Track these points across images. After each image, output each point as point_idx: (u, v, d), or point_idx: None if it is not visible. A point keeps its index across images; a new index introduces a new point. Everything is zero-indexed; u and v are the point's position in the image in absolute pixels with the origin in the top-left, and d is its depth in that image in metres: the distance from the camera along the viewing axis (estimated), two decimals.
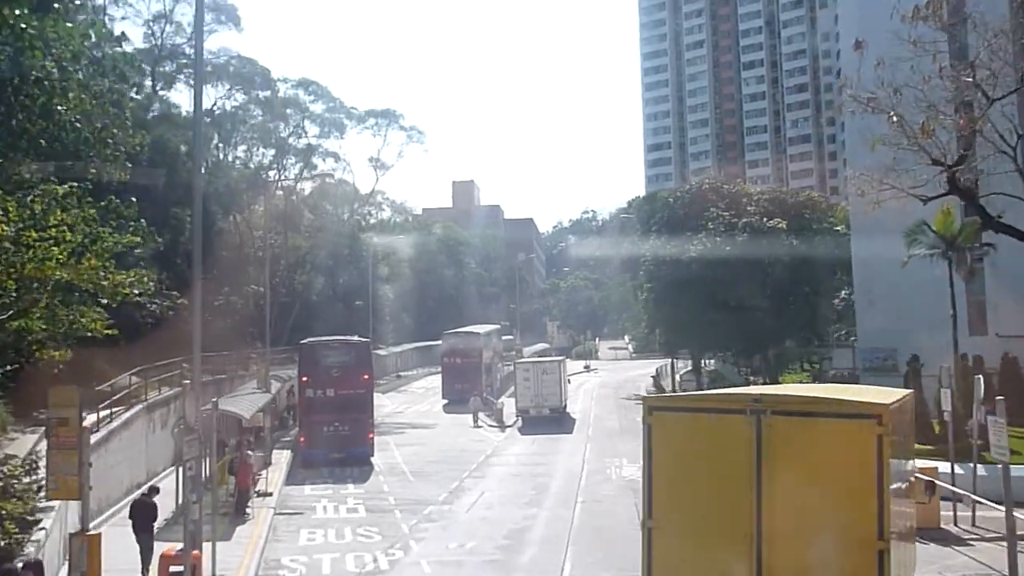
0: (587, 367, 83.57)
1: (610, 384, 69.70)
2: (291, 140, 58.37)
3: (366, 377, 33.03)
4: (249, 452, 24.95)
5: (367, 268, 67.63)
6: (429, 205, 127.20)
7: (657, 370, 68.93)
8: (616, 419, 48.07)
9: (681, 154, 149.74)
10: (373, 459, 33.30)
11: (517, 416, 45.92)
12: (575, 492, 26.43)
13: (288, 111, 59.57)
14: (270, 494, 25.93)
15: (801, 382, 44.15)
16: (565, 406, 47.58)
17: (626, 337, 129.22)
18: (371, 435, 32.94)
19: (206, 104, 59.60)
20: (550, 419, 44.68)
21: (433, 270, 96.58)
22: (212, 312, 51.57)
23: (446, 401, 55.67)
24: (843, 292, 39.57)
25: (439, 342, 62.64)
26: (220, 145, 61.06)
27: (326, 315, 62.62)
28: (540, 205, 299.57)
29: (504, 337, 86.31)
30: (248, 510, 23.15)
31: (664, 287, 37.98)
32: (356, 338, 34.90)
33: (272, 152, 58.92)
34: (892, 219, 32.16)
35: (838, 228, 40.33)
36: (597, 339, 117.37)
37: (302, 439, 32.61)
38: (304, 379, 32.84)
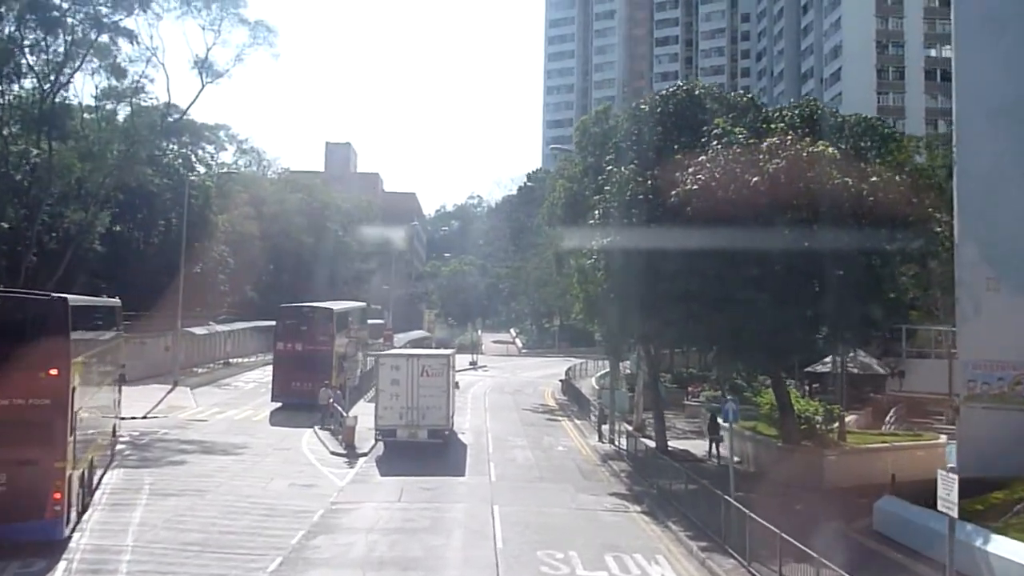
0: (474, 364, 67.31)
1: (506, 388, 53.63)
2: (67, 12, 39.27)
3: (54, 373, 15.68)
4: None
5: (196, 219, 51.09)
6: (298, 167, 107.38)
7: (568, 372, 53.53)
8: (528, 446, 32.17)
9: None
10: (72, 539, 16.24)
11: (377, 438, 29.23)
12: None
13: None
14: None
15: (845, 412, 28.32)
16: (452, 425, 31.29)
17: (512, 330, 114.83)
18: (58, 494, 15.66)
19: None
20: (428, 446, 28.40)
21: (290, 235, 79.52)
22: None
23: (277, 405, 38.39)
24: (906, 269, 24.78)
25: None
26: None
27: (123, 272, 45.68)
28: (422, 189, 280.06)
29: (373, 321, 69.13)
30: None
31: (633, 246, 22.28)
32: (36, 295, 17.12)
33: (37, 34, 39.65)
34: None
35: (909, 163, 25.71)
36: (479, 331, 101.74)
37: None
38: None
